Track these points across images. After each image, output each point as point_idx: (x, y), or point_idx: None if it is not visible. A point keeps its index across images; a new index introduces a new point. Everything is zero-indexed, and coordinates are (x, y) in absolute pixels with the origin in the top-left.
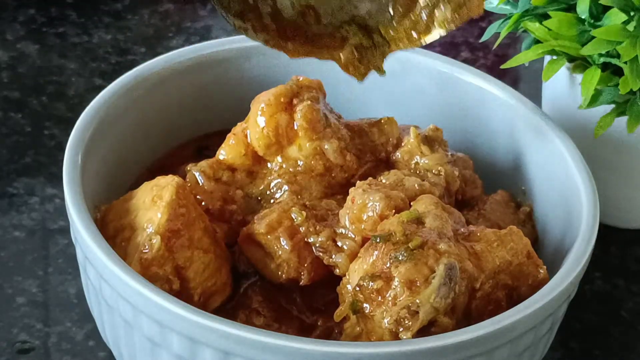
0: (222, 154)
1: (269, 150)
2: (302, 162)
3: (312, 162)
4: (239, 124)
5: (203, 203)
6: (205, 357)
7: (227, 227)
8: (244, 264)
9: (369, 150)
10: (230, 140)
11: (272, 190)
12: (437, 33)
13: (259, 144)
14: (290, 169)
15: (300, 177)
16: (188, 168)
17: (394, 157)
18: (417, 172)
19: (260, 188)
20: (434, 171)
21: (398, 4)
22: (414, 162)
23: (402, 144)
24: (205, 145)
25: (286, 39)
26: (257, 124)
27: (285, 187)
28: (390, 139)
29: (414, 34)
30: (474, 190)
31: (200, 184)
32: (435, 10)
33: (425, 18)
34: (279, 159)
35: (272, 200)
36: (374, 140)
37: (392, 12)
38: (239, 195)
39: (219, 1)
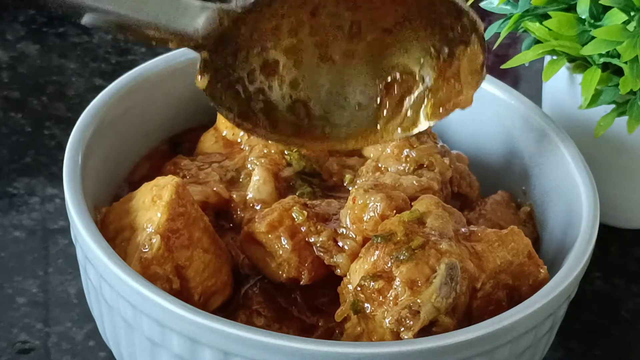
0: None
1: (235, 129)
2: None
3: None
4: None
5: (180, 176)
6: (205, 357)
7: (203, 188)
8: (247, 267)
9: None
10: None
11: (248, 168)
12: (425, 125)
13: (227, 125)
14: (264, 146)
15: (273, 150)
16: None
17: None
18: (408, 165)
19: (236, 162)
20: (426, 164)
21: (384, 105)
22: (404, 155)
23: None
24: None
25: (279, 133)
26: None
27: (257, 162)
28: None
29: (400, 131)
30: (471, 191)
31: (177, 163)
32: (422, 108)
33: (411, 115)
34: (246, 136)
35: (252, 174)
36: None
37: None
38: (215, 165)
39: (218, 101)
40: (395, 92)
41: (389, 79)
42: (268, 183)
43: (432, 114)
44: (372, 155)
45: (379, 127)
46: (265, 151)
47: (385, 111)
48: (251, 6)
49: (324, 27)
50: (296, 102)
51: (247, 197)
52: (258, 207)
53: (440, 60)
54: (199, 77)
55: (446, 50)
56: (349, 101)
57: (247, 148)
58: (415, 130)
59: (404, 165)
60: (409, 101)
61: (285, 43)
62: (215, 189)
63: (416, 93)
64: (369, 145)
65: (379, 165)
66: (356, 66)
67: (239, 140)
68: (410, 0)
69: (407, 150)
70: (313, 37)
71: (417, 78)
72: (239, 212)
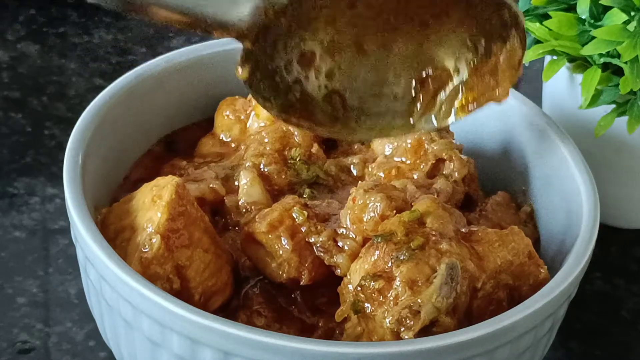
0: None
1: (231, 131)
2: (266, 137)
3: (274, 126)
4: None
5: (177, 175)
6: (206, 357)
7: (199, 185)
8: (247, 269)
9: None
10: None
11: (244, 165)
12: (453, 119)
13: (223, 129)
14: (259, 144)
15: (268, 147)
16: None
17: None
18: (424, 164)
19: (232, 160)
20: (445, 158)
21: (418, 98)
22: (423, 150)
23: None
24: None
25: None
26: (218, 115)
27: (249, 162)
28: None
29: (433, 122)
30: (477, 193)
31: (175, 165)
32: (455, 102)
33: (445, 108)
34: (243, 138)
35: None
36: None
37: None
38: (212, 165)
39: (258, 92)
40: (430, 85)
41: (424, 72)
42: (256, 185)
43: (464, 108)
44: (383, 150)
45: (412, 120)
46: (260, 149)
47: (419, 104)
48: None
49: (361, 19)
50: (332, 93)
51: (240, 202)
52: (252, 210)
53: (477, 55)
54: (240, 68)
55: (483, 45)
56: (385, 92)
57: (243, 147)
58: (446, 123)
59: (419, 161)
60: (443, 94)
61: (323, 34)
62: (212, 185)
63: (451, 87)
64: (400, 135)
65: (395, 159)
66: (392, 57)
67: (233, 143)
68: None
69: (427, 143)
70: (350, 29)
71: (452, 72)
72: (233, 217)
